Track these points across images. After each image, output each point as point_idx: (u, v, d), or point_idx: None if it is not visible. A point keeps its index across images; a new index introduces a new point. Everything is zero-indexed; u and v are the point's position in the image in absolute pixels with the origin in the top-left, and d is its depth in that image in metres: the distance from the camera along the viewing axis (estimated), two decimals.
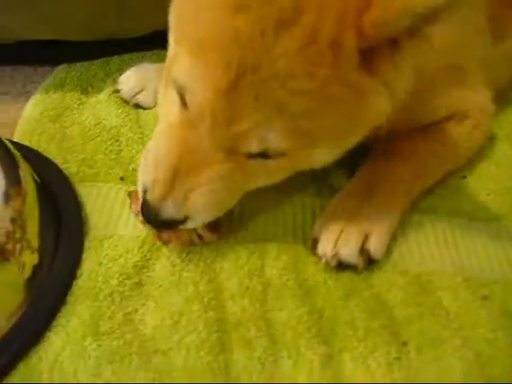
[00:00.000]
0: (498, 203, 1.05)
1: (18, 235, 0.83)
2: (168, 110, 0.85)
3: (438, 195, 1.05)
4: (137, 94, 1.21)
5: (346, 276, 0.92)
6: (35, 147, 1.09)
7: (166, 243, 0.94)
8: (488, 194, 1.06)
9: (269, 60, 0.72)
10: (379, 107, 0.80)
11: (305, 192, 1.04)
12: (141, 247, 0.94)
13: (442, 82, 1.00)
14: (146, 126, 1.16)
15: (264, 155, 0.80)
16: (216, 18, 0.74)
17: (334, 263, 0.92)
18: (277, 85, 0.73)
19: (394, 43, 0.75)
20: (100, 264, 0.92)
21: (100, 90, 1.25)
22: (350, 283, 0.92)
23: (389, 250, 0.95)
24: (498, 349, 0.84)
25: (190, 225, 0.86)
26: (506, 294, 0.91)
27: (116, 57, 1.33)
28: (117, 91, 1.23)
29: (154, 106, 1.20)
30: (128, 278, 0.90)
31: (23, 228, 0.85)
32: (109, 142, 1.12)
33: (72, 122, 1.17)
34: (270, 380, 0.81)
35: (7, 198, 0.84)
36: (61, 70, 1.30)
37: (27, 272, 0.85)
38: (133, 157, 1.09)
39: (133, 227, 0.97)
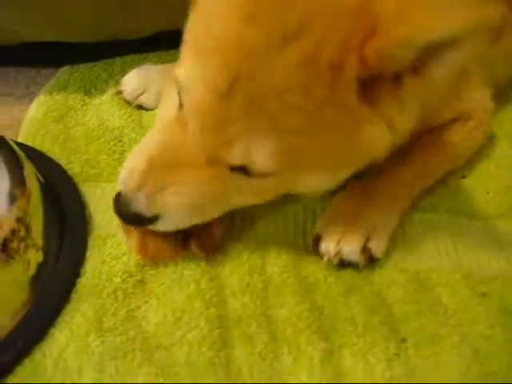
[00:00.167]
0: (497, 202, 1.05)
1: (22, 234, 0.85)
2: (167, 108, 0.86)
3: (438, 194, 1.06)
4: (139, 95, 1.22)
5: (347, 274, 0.93)
6: (39, 148, 1.11)
7: (155, 256, 0.92)
8: (487, 193, 1.07)
9: (268, 70, 0.72)
10: (377, 140, 0.79)
11: None
12: None
13: (448, 91, 0.99)
14: (149, 127, 1.17)
15: (245, 171, 0.79)
16: (225, 26, 0.75)
17: (336, 261, 0.93)
18: (272, 96, 0.72)
19: (397, 78, 0.75)
20: (103, 262, 0.93)
21: (103, 91, 1.26)
22: (350, 281, 0.93)
23: (389, 248, 0.96)
24: (496, 345, 0.85)
25: (159, 226, 0.85)
26: (505, 291, 0.92)
27: (119, 58, 1.34)
28: (119, 92, 1.24)
29: (156, 107, 1.20)
30: (131, 275, 0.92)
31: (28, 227, 0.86)
32: (112, 143, 1.14)
33: (75, 123, 1.19)
34: (270, 375, 0.82)
35: (12, 198, 0.85)
36: (64, 72, 1.31)
37: (32, 270, 0.86)
38: None
39: None
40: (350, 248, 0.93)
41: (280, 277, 0.93)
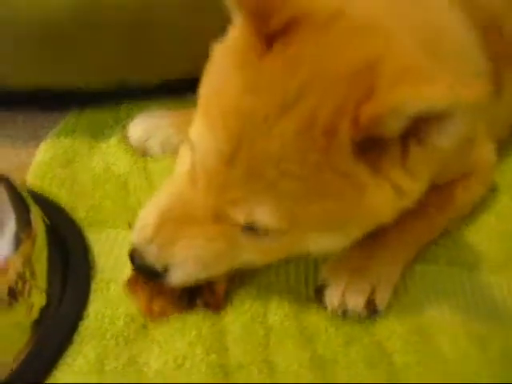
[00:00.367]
0: (498, 254, 1.06)
1: (27, 276, 0.85)
2: (182, 161, 0.88)
3: (439, 245, 1.06)
4: (145, 141, 1.23)
5: (347, 324, 0.93)
6: (46, 191, 1.12)
7: (160, 315, 0.92)
8: (488, 245, 1.07)
9: (266, 138, 0.73)
10: (383, 204, 0.79)
11: None
12: None
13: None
14: (154, 174, 1.18)
15: (252, 229, 0.80)
16: (229, 93, 0.76)
17: (339, 312, 0.93)
18: (270, 164, 0.73)
19: (404, 146, 0.75)
20: (106, 306, 0.93)
21: (110, 136, 1.27)
22: (351, 331, 0.93)
23: (390, 299, 0.96)
24: None
25: (170, 279, 0.85)
26: (506, 342, 0.92)
27: (125, 104, 1.35)
28: (126, 137, 1.25)
29: (161, 154, 1.22)
30: (133, 320, 0.92)
31: (32, 269, 0.87)
32: (117, 189, 1.14)
33: (82, 168, 1.19)
34: None
35: (18, 240, 0.86)
36: (72, 116, 1.33)
37: (35, 314, 0.86)
38: (140, 204, 1.09)
39: None
40: (355, 300, 0.93)
41: (281, 325, 0.93)
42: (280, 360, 0.88)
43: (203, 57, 0.84)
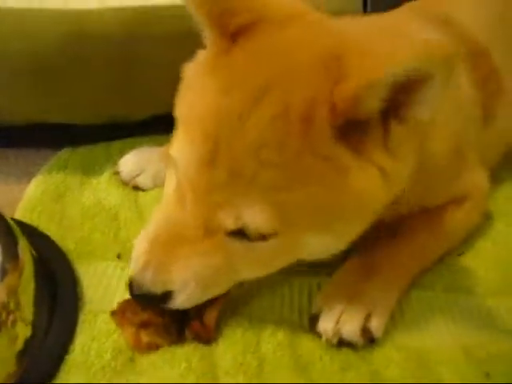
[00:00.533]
0: (494, 279, 1.04)
1: (11, 307, 0.83)
2: (167, 189, 0.88)
3: (435, 271, 1.04)
4: (135, 176, 1.24)
5: (342, 352, 0.91)
6: (35, 224, 1.11)
7: (148, 348, 0.90)
8: (485, 271, 1.06)
9: (243, 133, 0.74)
10: (370, 189, 0.78)
11: (301, 269, 1.03)
12: None
13: (446, 169, 1.01)
14: (144, 207, 1.19)
15: (245, 236, 0.79)
16: (204, 100, 0.79)
17: (334, 341, 0.91)
18: (249, 156, 0.74)
19: (385, 126, 0.76)
20: (93, 339, 0.91)
21: (101, 172, 1.28)
22: (346, 359, 0.90)
23: (386, 326, 0.94)
24: None
25: (173, 303, 0.84)
26: (509, 369, 0.89)
27: (117, 141, 1.37)
28: (117, 173, 1.26)
29: (152, 188, 1.23)
30: (121, 352, 0.89)
31: (17, 300, 0.85)
32: (107, 222, 1.14)
33: (72, 202, 1.19)
34: None
35: (3, 271, 0.85)
36: (64, 152, 1.34)
37: (19, 345, 0.84)
38: (130, 236, 1.09)
39: None
40: (350, 328, 0.90)
41: (274, 354, 0.90)
42: None
43: None
